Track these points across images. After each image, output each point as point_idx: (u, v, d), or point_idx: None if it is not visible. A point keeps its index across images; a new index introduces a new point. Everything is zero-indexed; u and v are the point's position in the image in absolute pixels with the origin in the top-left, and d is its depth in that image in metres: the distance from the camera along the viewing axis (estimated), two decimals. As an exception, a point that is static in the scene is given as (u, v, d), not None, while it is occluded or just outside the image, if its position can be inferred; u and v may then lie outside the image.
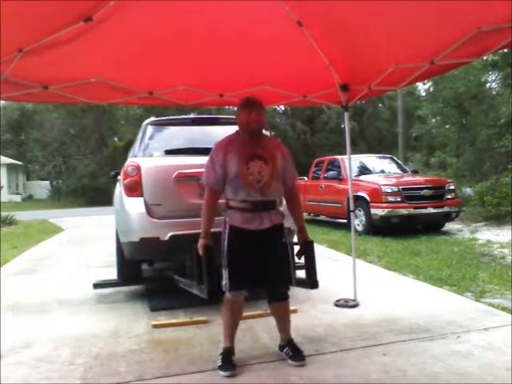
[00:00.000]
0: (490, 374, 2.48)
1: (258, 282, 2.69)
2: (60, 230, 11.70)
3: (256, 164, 2.64)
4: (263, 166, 2.66)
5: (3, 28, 2.41)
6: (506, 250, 6.35)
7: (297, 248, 2.89)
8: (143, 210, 3.76)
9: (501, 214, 9.37)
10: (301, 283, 3.01)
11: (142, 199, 3.80)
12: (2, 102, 23.98)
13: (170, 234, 3.67)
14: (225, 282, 2.64)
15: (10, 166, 31.58)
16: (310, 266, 2.89)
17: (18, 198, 30.06)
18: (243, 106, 2.73)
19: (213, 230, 2.72)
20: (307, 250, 2.86)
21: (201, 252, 2.71)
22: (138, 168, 3.85)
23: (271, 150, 2.74)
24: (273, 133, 26.81)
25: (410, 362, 2.68)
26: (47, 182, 32.28)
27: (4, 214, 12.79)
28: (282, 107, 26.09)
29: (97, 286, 4.34)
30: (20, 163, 33.50)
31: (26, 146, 34.92)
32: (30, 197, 32.89)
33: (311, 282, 2.90)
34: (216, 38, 3.13)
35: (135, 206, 3.79)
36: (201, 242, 2.69)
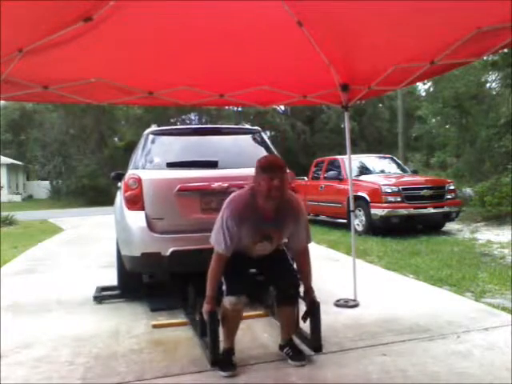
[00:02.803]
0: (490, 374, 2.48)
1: (257, 292, 2.68)
2: (60, 230, 11.70)
3: (263, 244, 2.65)
4: (268, 245, 2.67)
5: (3, 28, 2.40)
6: (506, 250, 6.35)
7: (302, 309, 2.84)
8: (144, 224, 3.68)
9: (501, 214, 9.36)
10: (303, 340, 2.95)
11: (143, 213, 3.73)
12: (2, 101, 23.98)
13: (171, 250, 3.60)
14: (224, 287, 2.65)
15: (9, 166, 31.59)
16: (316, 329, 2.82)
17: (17, 198, 30.07)
18: (264, 168, 2.50)
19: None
20: (313, 313, 2.79)
21: (206, 318, 2.68)
22: (139, 180, 3.77)
23: (284, 223, 2.63)
24: (273, 133, 26.83)
25: (410, 361, 2.68)
26: (47, 182, 32.24)
27: (4, 213, 12.78)
28: (282, 107, 26.10)
29: (96, 298, 4.25)
30: (20, 163, 33.51)
31: (25, 146, 34.92)
32: (30, 197, 32.89)
33: (315, 346, 2.83)
34: (216, 37, 3.13)
35: (136, 220, 3.72)
36: (205, 308, 2.65)
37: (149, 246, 3.65)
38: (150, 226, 3.69)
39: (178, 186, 3.74)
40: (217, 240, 2.59)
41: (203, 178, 3.76)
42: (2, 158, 30.15)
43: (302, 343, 2.93)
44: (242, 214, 2.55)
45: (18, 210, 15.87)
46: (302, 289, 2.81)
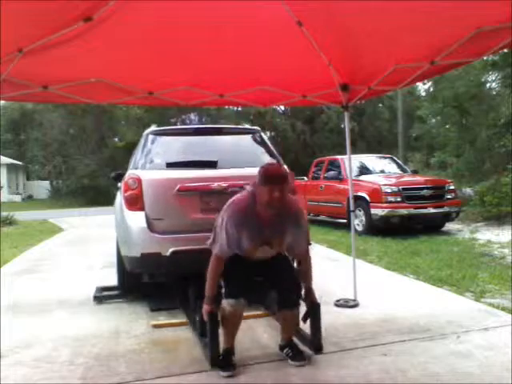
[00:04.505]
0: (490, 374, 2.49)
1: (257, 294, 2.69)
2: (60, 230, 11.70)
3: (263, 249, 2.65)
4: (268, 249, 2.67)
5: (3, 28, 2.41)
6: (506, 250, 6.35)
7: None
8: (144, 224, 3.67)
9: (501, 214, 9.36)
10: (304, 341, 2.94)
11: (143, 213, 3.71)
12: (2, 101, 23.99)
13: (171, 250, 3.59)
14: (223, 289, 2.65)
15: (9, 166, 31.57)
16: (316, 330, 2.83)
17: (17, 198, 30.04)
18: (265, 180, 2.49)
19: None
20: (313, 313, 2.80)
21: (205, 318, 2.69)
22: (139, 180, 3.75)
23: (284, 228, 2.63)
24: (273, 133, 26.84)
25: (410, 361, 2.68)
26: (47, 182, 32.25)
27: (4, 214, 12.76)
28: (282, 107, 26.10)
29: (96, 298, 4.25)
30: (20, 163, 33.49)
31: (25, 146, 34.92)
32: (30, 197, 32.87)
33: (316, 347, 2.83)
34: (216, 38, 3.13)
35: (136, 221, 3.70)
36: (205, 308, 2.66)
37: (149, 247, 3.64)
38: (150, 226, 3.67)
39: (178, 186, 3.72)
40: (215, 242, 2.61)
41: (203, 178, 3.75)
42: (2, 157, 30.13)
43: (303, 344, 2.92)
44: (241, 218, 2.56)
45: (18, 210, 15.84)
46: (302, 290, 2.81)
